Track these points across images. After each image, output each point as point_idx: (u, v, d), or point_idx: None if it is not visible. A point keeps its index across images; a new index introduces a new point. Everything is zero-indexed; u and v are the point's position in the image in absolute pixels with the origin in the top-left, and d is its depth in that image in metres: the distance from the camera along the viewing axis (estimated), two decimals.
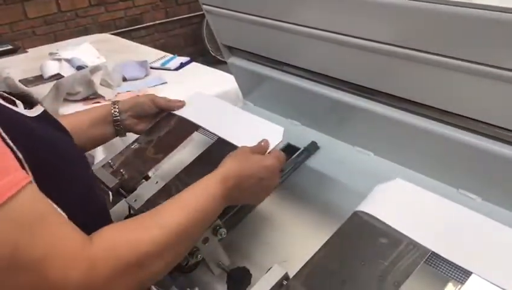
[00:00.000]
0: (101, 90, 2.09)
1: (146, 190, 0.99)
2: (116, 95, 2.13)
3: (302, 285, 0.66)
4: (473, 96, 0.76)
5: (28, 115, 0.70)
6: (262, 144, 0.89)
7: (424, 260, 0.65)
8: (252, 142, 0.94)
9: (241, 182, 0.78)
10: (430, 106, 0.85)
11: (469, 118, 0.80)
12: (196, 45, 5.06)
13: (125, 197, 0.99)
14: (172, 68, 2.49)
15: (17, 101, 0.71)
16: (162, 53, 2.75)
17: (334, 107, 1.06)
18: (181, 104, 1.12)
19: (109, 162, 1.09)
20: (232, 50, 1.26)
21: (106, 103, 2.07)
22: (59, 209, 0.61)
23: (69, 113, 1.11)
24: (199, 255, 0.84)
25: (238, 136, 1.00)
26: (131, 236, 0.63)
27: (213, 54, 4.89)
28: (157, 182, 1.00)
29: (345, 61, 0.95)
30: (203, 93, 1.21)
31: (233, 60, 1.27)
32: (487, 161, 0.82)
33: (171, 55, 2.67)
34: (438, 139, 0.86)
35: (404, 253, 0.66)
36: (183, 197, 0.73)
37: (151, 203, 0.95)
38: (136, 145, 1.12)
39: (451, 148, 0.86)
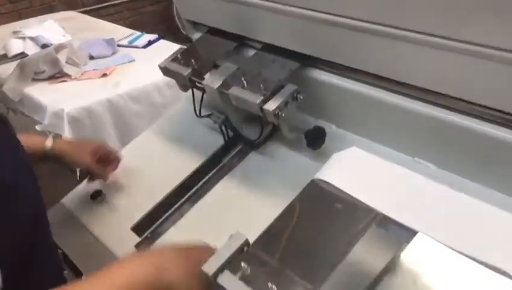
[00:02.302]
0: (67, 69, 2.06)
1: None
2: (82, 74, 2.10)
3: (261, 250, 0.69)
4: (424, 66, 0.78)
5: None
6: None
7: (376, 222, 0.68)
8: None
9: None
10: (383, 76, 0.87)
11: (422, 88, 0.83)
12: (167, 23, 4.96)
13: None
14: (140, 46, 2.46)
15: None
16: (130, 31, 2.71)
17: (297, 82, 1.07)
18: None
19: None
20: (196, 25, 1.25)
21: (72, 81, 2.05)
22: None
23: None
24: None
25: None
26: None
27: (184, 32, 4.82)
28: None
29: (321, 38, 0.94)
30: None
31: (198, 36, 1.27)
32: (442, 130, 0.85)
33: (139, 33, 2.64)
34: (393, 109, 0.89)
35: (357, 217, 0.69)
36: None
37: None
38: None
39: (406, 118, 0.88)
